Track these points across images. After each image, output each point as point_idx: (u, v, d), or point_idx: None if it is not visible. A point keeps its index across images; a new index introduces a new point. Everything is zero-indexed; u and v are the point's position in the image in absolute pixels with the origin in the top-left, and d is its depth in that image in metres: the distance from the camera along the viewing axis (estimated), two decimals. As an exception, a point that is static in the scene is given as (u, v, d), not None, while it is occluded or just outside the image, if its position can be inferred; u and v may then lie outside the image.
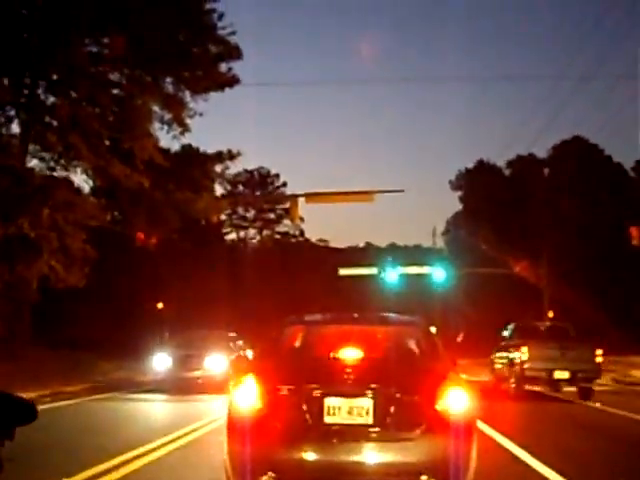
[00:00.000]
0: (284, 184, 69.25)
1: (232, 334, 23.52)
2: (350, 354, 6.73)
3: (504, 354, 20.26)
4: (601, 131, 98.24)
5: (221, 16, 27.56)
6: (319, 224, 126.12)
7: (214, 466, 7.39)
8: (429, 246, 69.44)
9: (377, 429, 5.80)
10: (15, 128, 25.60)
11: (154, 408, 16.78)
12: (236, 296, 50.54)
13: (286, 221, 69.70)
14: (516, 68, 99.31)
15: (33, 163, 25.57)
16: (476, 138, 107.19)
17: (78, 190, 28.27)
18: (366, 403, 5.84)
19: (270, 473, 5.67)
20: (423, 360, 6.90)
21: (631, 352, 36.62)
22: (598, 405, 16.74)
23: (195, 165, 30.20)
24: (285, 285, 56.99)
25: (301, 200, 30.16)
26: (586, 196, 55.14)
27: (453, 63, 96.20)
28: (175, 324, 33.04)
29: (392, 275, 41.88)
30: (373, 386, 5.88)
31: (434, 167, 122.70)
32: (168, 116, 27.40)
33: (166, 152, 28.98)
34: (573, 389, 19.02)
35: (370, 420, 5.82)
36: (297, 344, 7.48)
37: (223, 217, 64.19)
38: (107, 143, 25.94)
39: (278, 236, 73.91)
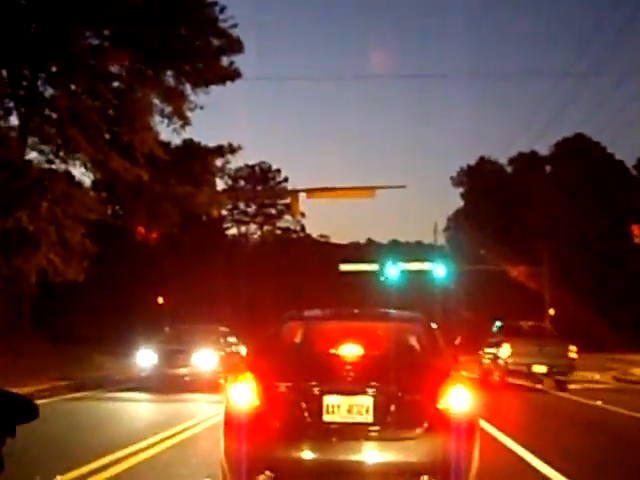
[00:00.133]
0: (285, 179, 69.31)
1: (224, 329, 22.27)
2: (350, 351, 6.59)
3: (490, 350, 22.10)
4: (603, 129, 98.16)
5: (223, 9, 27.40)
6: (320, 220, 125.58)
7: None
8: (430, 242, 69.24)
9: (377, 428, 5.67)
10: (14, 120, 25.47)
11: (133, 409, 15.26)
12: (236, 291, 50.46)
13: (287, 216, 69.69)
14: (519, 65, 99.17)
15: (32, 156, 25.44)
16: (478, 135, 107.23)
17: (79, 184, 28.11)
18: (366, 401, 5.70)
19: (267, 472, 5.53)
20: (425, 357, 6.76)
21: (632, 350, 36.54)
22: (599, 403, 16.66)
23: (196, 159, 30.01)
24: (286, 281, 56.93)
25: (302, 195, 29.99)
26: (587, 194, 55.03)
27: (455, 59, 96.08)
28: (175, 319, 32.89)
29: (393, 271, 41.81)
30: (373, 384, 5.75)
31: (436, 163, 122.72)
32: (168, 109, 27.23)
33: (166, 146, 28.83)
34: (577, 387, 20.37)
35: (370, 419, 5.69)
36: (296, 340, 7.36)
37: (224, 212, 64.17)
38: (107, 136, 25.77)
39: (279, 231, 73.92)
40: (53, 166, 25.69)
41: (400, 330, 7.48)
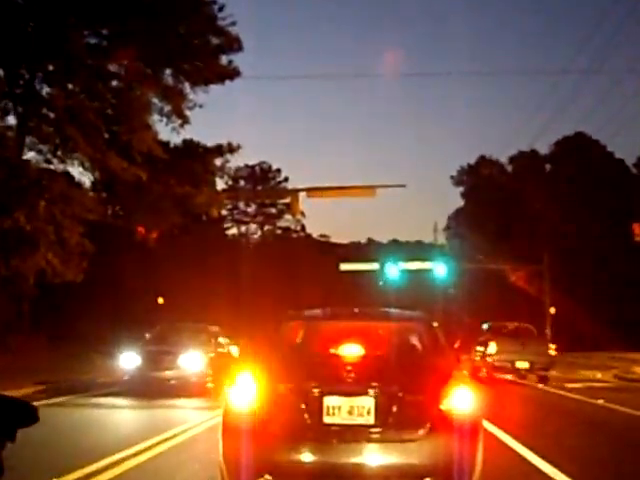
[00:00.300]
0: (285, 179, 69.23)
1: (214, 328, 20.83)
2: (351, 351, 6.48)
3: (479, 348, 23.94)
4: (603, 127, 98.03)
5: (221, 8, 27.34)
6: (320, 219, 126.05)
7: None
8: (430, 242, 69.35)
9: (379, 429, 5.56)
10: (11, 120, 25.38)
11: (109, 417, 13.72)
12: (237, 291, 50.40)
13: (287, 216, 69.66)
14: (519, 64, 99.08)
15: (30, 155, 25.36)
16: (478, 134, 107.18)
17: (78, 184, 28.04)
18: (367, 402, 5.59)
19: (267, 476, 5.42)
20: (427, 357, 6.66)
21: (633, 349, 36.44)
22: (601, 402, 16.58)
23: (195, 158, 29.93)
24: (286, 280, 56.84)
25: (302, 195, 29.95)
26: (587, 192, 54.92)
27: (456, 58, 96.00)
28: (175, 319, 32.78)
29: (393, 271, 41.73)
30: (374, 384, 5.64)
31: (436, 162, 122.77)
32: (167, 108, 27.19)
33: (166, 145, 28.76)
34: (578, 385, 20.63)
35: (371, 420, 5.58)
36: (296, 340, 7.25)
37: (224, 212, 64.15)
38: (106, 136, 25.68)
39: (279, 231, 73.89)
40: (51, 166, 25.63)
41: (401, 330, 7.38)
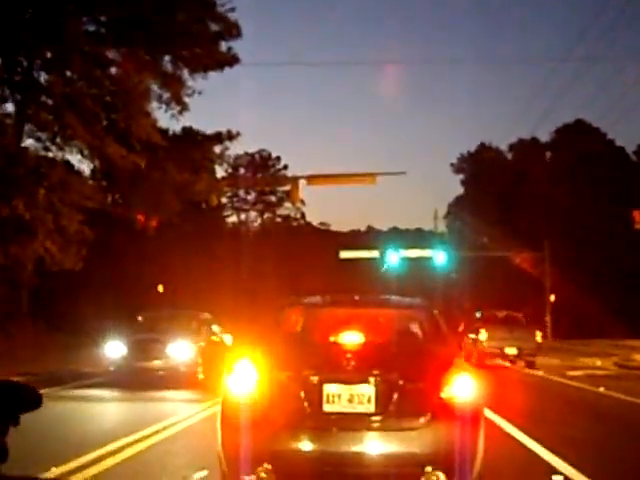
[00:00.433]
0: (285, 167, 69.02)
1: (205, 315, 19.77)
2: (351, 338, 6.40)
3: (472, 335, 25.11)
4: (604, 115, 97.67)
5: (221, -7, 27.14)
6: (320, 207, 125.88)
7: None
8: (430, 229, 69.28)
9: (379, 418, 5.49)
10: (10, 107, 25.27)
11: (91, 410, 12.93)
12: (237, 279, 50.38)
13: (287, 204, 69.54)
14: (519, 51, 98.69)
15: (29, 143, 25.25)
16: (478, 121, 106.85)
17: (78, 172, 27.96)
18: (367, 390, 5.52)
19: (266, 465, 5.35)
20: (428, 345, 6.59)
21: (633, 336, 36.43)
22: (602, 390, 16.54)
23: (194, 146, 29.82)
24: (286, 268, 56.82)
25: (302, 182, 29.90)
26: (588, 180, 54.82)
27: (456, 45, 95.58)
28: (175, 307, 32.76)
29: (393, 258, 41.73)
30: (375, 372, 5.57)
31: (436, 150, 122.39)
32: (166, 95, 27.08)
33: (165, 132, 28.64)
34: (579, 373, 20.86)
35: (372, 408, 5.51)
36: (295, 328, 7.18)
37: (224, 200, 64.06)
38: (104, 123, 25.57)
39: (279, 219, 73.80)
40: (50, 153, 25.53)
41: (402, 317, 7.31)
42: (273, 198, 71.78)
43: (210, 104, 73.20)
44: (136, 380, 15.44)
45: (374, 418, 5.50)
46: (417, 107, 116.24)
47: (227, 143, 31.35)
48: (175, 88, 26.91)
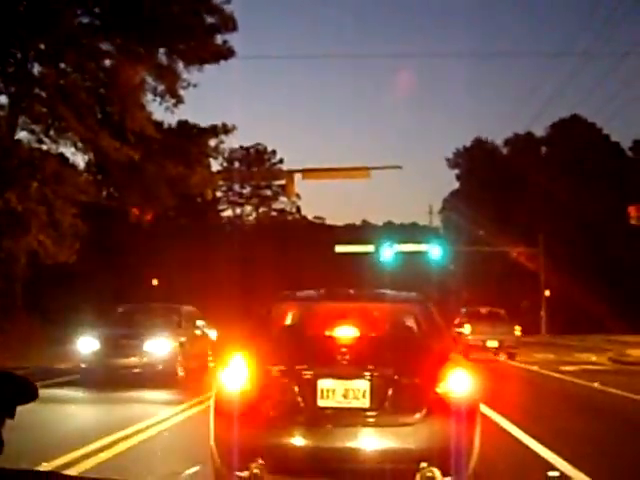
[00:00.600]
0: (281, 161, 68.91)
1: (188, 308, 18.42)
2: (346, 333, 6.35)
3: (458, 329, 26.44)
4: (599, 110, 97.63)
5: (216, -15, 26.99)
6: (315, 202, 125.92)
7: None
8: (425, 224, 69.21)
9: (374, 413, 5.44)
10: (3, 99, 25.11)
11: (59, 413, 11.34)
12: (232, 273, 50.28)
13: (282, 198, 69.52)
14: (516, 46, 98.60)
15: (22, 135, 25.11)
16: (474, 116, 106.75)
17: (72, 165, 27.83)
18: (362, 385, 5.47)
19: (259, 460, 5.28)
20: (423, 339, 6.54)
21: (628, 332, 36.48)
22: (597, 385, 16.53)
23: (189, 139, 29.69)
24: (281, 262, 56.76)
25: (297, 176, 29.82)
26: (583, 175, 54.85)
27: (452, 40, 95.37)
28: (170, 300, 32.69)
29: (388, 253, 41.70)
30: (370, 367, 5.52)
31: (431, 144, 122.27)
32: (161, 87, 26.93)
33: (159, 125, 28.51)
34: (574, 368, 20.29)
35: (367, 403, 5.46)
36: (289, 322, 7.12)
37: (219, 194, 63.96)
38: (99, 116, 25.43)
39: (274, 213, 73.74)
40: (44, 146, 25.39)
41: (397, 311, 7.26)
42: (268, 192, 71.72)
43: (205, 97, 73.18)
44: (108, 379, 14.35)
45: (369, 413, 5.45)
46: (413, 101, 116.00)
47: (222, 137, 31.20)
48: (170, 81, 26.77)
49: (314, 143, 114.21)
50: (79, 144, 25.70)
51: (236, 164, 67.73)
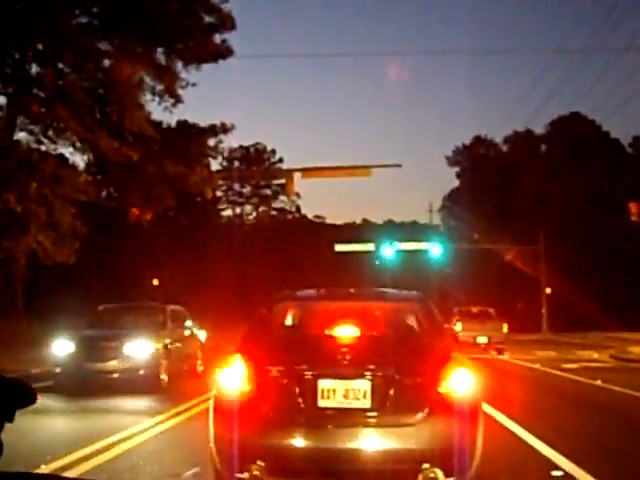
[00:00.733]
0: (280, 160, 68.88)
1: (175, 308, 17.16)
2: (346, 332, 6.28)
3: (450, 327, 26.92)
4: (599, 107, 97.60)
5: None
6: (315, 200, 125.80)
7: None
8: (426, 222, 69.13)
9: (375, 413, 5.38)
10: (1, 100, 25.09)
11: (26, 424, 8.35)
12: (232, 272, 50.27)
13: (282, 197, 69.50)
14: (515, 43, 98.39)
15: (21, 136, 25.07)
16: (474, 113, 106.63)
17: (72, 166, 27.81)
18: (363, 385, 5.40)
19: (259, 462, 5.22)
20: (425, 338, 6.47)
21: (629, 329, 36.41)
22: (598, 382, 16.47)
23: (188, 138, 29.68)
24: (281, 261, 56.74)
25: (297, 175, 29.77)
26: (583, 172, 54.78)
27: (452, 37, 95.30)
28: (170, 300, 32.64)
29: (389, 251, 41.66)
30: (371, 367, 5.46)
31: (431, 142, 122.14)
32: (160, 87, 26.91)
33: (158, 125, 28.48)
34: (575, 366, 20.32)
35: (368, 404, 5.39)
36: (289, 321, 7.06)
37: (219, 193, 63.93)
38: (97, 116, 25.39)
39: (274, 212, 73.71)
40: (42, 147, 25.36)
41: (398, 310, 7.20)
42: (268, 191, 71.67)
43: (204, 97, 72.84)
44: (84, 385, 13.28)
45: (370, 414, 5.39)
46: (412, 99, 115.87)
47: (222, 136, 31.24)
48: (169, 80, 26.75)
49: (314, 142, 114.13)
50: (78, 144, 25.71)
51: (236, 163, 67.76)
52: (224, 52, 28.23)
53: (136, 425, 9.63)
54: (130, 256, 41.19)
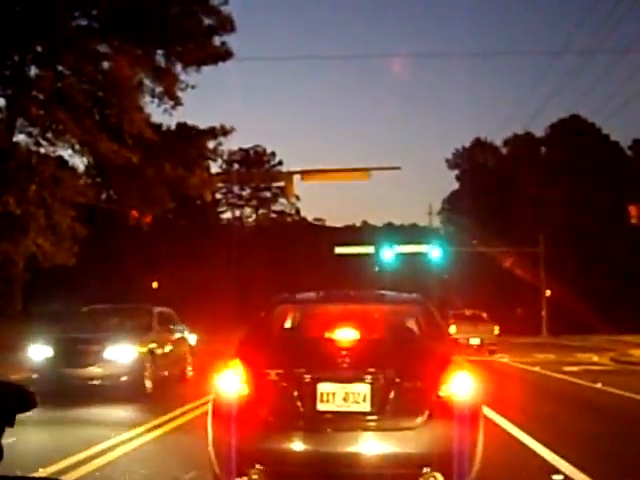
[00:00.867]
0: (280, 162, 68.94)
1: (162, 310, 16.24)
2: (345, 335, 6.24)
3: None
4: (599, 110, 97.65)
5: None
6: (315, 203, 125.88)
7: None
8: (425, 225, 69.12)
9: (375, 417, 5.34)
10: (1, 102, 25.07)
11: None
12: (231, 275, 50.24)
13: (282, 200, 69.60)
14: (515, 45, 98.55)
15: (20, 138, 25.06)
16: (474, 116, 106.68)
17: (72, 168, 27.80)
18: (363, 389, 5.36)
19: (258, 465, 5.18)
20: (425, 341, 6.43)
21: (630, 332, 36.35)
22: (599, 386, 16.43)
23: (187, 141, 29.64)
24: (281, 264, 56.72)
25: (297, 178, 29.73)
26: (583, 175, 54.75)
27: (452, 40, 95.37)
28: (170, 303, 32.60)
29: (388, 254, 41.63)
30: (371, 370, 5.42)
31: (431, 145, 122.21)
32: (159, 89, 26.88)
33: (158, 127, 28.45)
34: (575, 369, 20.14)
35: (367, 407, 5.35)
36: (288, 324, 7.02)
37: (218, 196, 63.98)
38: (97, 118, 25.38)
39: (274, 215, 73.75)
40: (41, 149, 25.34)
41: (398, 313, 7.16)
42: (268, 194, 71.73)
43: (204, 99, 73.00)
44: (61, 392, 12.11)
45: (370, 417, 5.35)
46: (412, 102, 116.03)
47: (221, 138, 31.21)
48: (168, 83, 26.72)
49: (313, 144, 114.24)
50: (77, 146, 25.70)
51: (235, 166, 67.79)
52: (224, 54, 28.22)
53: (111, 439, 8.71)
54: (129, 259, 41.16)
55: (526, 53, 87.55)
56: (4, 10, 23.22)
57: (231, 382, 5.52)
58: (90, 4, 25.61)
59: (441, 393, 5.38)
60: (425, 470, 5.14)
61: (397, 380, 5.37)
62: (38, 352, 13.10)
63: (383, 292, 8.00)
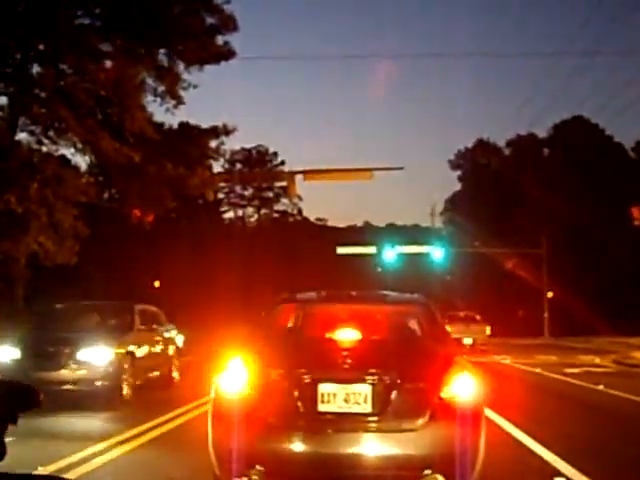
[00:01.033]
0: (282, 162, 68.92)
1: (146, 308, 15.14)
2: (347, 336, 6.20)
3: None
4: (602, 111, 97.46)
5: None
6: (317, 203, 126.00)
7: None
8: (428, 226, 69.11)
9: (376, 418, 5.30)
10: (3, 100, 25.05)
11: None
12: (233, 274, 50.21)
13: (284, 200, 69.65)
14: (518, 46, 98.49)
15: (22, 136, 25.05)
16: (476, 117, 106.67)
17: (74, 167, 27.79)
18: (364, 390, 5.32)
19: (258, 466, 5.15)
20: (427, 342, 6.39)
21: (632, 334, 36.29)
22: (601, 388, 16.39)
23: (190, 140, 29.59)
24: (283, 264, 56.69)
25: (299, 178, 29.72)
26: (586, 176, 54.68)
27: (454, 40, 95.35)
28: (172, 302, 32.58)
29: (390, 254, 41.61)
30: (372, 371, 5.38)
31: (433, 146, 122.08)
32: (161, 88, 26.80)
33: (160, 126, 28.42)
34: (577, 371, 20.50)
35: (369, 408, 5.31)
36: (289, 324, 6.98)
37: (220, 196, 63.99)
38: (99, 117, 25.34)
39: (276, 215, 73.76)
40: (43, 147, 25.32)
41: (400, 313, 7.11)
42: (270, 194, 71.75)
43: (206, 98, 73.00)
44: None
45: (371, 419, 5.32)
46: (415, 103, 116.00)
47: (223, 138, 31.14)
48: (170, 82, 26.64)
49: (316, 144, 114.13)
50: (79, 145, 25.64)
51: (237, 165, 67.80)
52: (226, 53, 28.14)
53: (77, 453, 7.78)
54: (131, 258, 41.18)
55: (529, 54, 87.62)
56: (6, 8, 23.21)
57: (231, 382, 5.50)
58: (93, 3, 25.56)
59: (443, 394, 5.34)
60: (426, 472, 5.11)
61: (399, 381, 5.34)
62: (5, 353, 12.04)
63: (385, 292, 7.96)
